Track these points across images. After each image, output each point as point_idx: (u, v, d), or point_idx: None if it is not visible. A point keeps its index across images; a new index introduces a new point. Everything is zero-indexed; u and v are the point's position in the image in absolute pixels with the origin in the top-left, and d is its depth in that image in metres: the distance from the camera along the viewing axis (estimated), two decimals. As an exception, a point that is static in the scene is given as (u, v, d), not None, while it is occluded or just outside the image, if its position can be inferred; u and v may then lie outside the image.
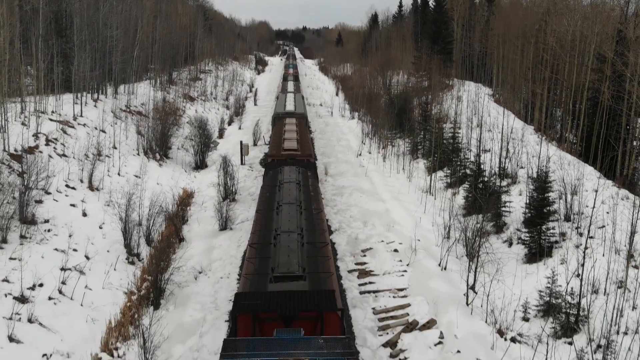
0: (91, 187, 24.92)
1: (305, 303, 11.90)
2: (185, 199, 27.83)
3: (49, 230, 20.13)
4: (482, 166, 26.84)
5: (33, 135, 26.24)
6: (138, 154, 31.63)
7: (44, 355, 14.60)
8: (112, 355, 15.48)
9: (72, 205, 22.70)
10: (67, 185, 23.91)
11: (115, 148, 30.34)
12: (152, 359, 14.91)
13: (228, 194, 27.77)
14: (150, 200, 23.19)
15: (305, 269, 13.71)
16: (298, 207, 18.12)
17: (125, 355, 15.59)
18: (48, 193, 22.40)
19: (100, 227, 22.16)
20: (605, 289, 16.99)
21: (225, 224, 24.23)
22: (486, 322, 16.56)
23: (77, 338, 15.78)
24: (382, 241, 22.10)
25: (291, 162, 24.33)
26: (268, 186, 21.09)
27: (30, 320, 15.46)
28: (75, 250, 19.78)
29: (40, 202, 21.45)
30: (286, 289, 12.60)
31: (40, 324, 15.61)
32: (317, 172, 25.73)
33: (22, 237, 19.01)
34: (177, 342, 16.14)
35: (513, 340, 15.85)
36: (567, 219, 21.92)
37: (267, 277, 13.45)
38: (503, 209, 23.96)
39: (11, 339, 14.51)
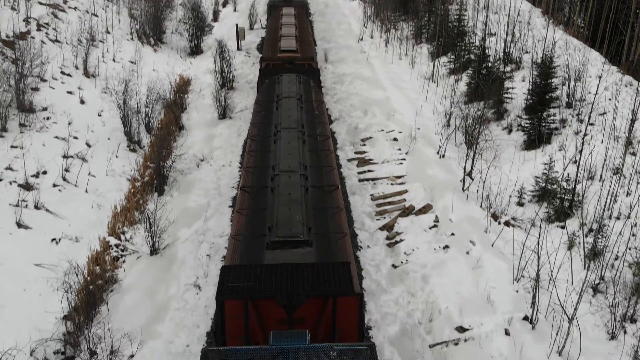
0: (87, 74, 24.49)
1: (312, 284, 9.20)
2: (183, 86, 27.45)
3: (47, 118, 20.07)
4: (486, 51, 26.16)
5: (24, 21, 25.32)
6: (132, 39, 30.74)
7: (53, 239, 15.15)
8: (119, 239, 16.06)
9: (69, 92, 22.46)
10: (62, 72, 23.48)
11: (109, 33, 29.43)
12: (159, 242, 15.50)
13: (225, 82, 27.34)
14: (147, 87, 22.89)
15: (311, 229, 11.00)
16: (300, 134, 14.91)
17: (133, 239, 16.18)
18: (44, 80, 22.07)
19: (99, 115, 22.08)
20: (601, 176, 17.25)
21: (224, 113, 24.10)
22: (481, 207, 17.00)
23: (84, 223, 16.29)
24: (382, 130, 22.09)
25: (290, 68, 21.39)
26: (263, 102, 17.93)
27: (36, 207, 15.86)
28: (75, 138, 19.85)
29: (36, 89, 21.20)
30: (288, 260, 10.09)
31: (47, 210, 16.03)
32: (320, 80, 23.04)
33: (21, 125, 18.99)
34: (183, 226, 16.68)
35: (507, 223, 16.36)
36: (569, 105, 21.77)
37: (263, 241, 10.81)
38: (505, 95, 23.70)
39: (19, 225, 14.97)
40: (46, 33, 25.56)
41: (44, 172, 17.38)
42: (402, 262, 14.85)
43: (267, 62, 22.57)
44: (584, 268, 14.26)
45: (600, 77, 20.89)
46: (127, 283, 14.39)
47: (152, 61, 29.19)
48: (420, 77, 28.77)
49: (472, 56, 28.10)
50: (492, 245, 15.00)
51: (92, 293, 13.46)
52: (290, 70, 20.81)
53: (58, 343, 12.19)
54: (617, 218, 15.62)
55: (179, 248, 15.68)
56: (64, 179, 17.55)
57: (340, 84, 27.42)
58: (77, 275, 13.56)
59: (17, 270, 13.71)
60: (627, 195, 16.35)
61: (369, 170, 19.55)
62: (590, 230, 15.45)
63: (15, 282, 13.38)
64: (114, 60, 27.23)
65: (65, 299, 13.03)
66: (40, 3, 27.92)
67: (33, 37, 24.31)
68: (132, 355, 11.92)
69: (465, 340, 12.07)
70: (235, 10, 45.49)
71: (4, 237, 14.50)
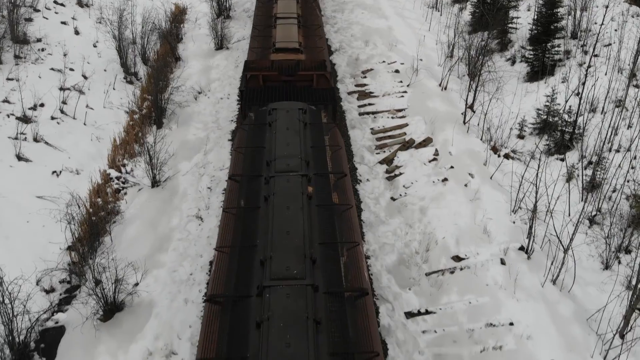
0: (80, 3, 23.82)
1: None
2: (178, 16, 26.72)
3: (42, 50, 19.70)
4: (491, -21, 25.33)
5: (11, -54, 24.38)
6: (126, -33, 29.65)
7: (54, 172, 15.20)
8: (120, 172, 16.12)
9: (63, 22, 21.92)
10: (55, 2, 22.84)
11: (101, -40, 28.37)
12: (159, 174, 15.56)
13: (222, 11, 26.60)
14: (143, 16, 22.32)
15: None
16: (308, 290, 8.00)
17: (133, 172, 16.24)
18: (37, 10, 21.52)
19: (94, 46, 21.65)
20: (603, 108, 17.10)
21: (221, 43, 23.59)
22: (481, 139, 16.95)
23: (84, 156, 16.30)
24: (384, 62, 21.70)
25: (289, 82, 14.90)
26: (244, 185, 10.55)
27: (36, 140, 15.82)
28: (71, 69, 19.54)
29: (30, 20, 20.70)
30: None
31: (46, 142, 16.00)
32: (336, 110, 14.86)
33: (16, 57, 18.66)
34: (183, 159, 16.70)
35: (506, 156, 16.37)
36: (574, 36, 21.31)
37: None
38: (509, 25, 23.16)
39: (20, 157, 14.99)
40: (36, -40, 24.65)
41: (42, 105, 17.22)
42: (400, 195, 14.97)
43: (254, 72, 14.79)
44: (582, 200, 14.39)
45: (606, 7, 20.30)
46: (129, 214, 14.57)
47: (147, -11, 28.27)
48: (424, 5, 28.00)
49: (476, -16, 27.22)
50: (491, 178, 15.07)
51: (94, 224, 13.66)
52: (290, 92, 14.22)
53: (63, 273, 12.48)
54: (617, 151, 15.61)
55: (180, 181, 15.76)
56: (62, 111, 17.42)
57: (341, 13, 26.69)
58: (79, 206, 13.71)
59: (20, 202, 13.84)
60: (628, 128, 16.28)
61: (370, 104, 19.36)
62: (590, 162, 15.48)
63: (18, 214, 13.54)
64: (107, -12, 26.38)
65: (68, 230, 13.23)
66: None
67: (23, -35, 23.47)
68: (136, 284, 12.22)
69: (461, 269, 12.35)
70: None
71: (5, 170, 14.55)
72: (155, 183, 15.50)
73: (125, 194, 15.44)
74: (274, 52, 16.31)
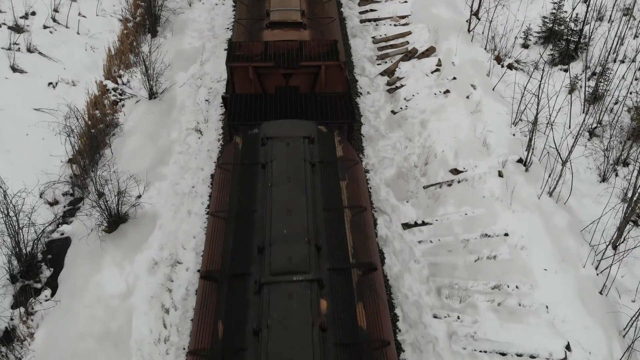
0: None
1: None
2: None
3: (28, -47, 18.78)
4: None
5: None
6: None
7: (50, 83, 14.98)
8: (116, 83, 15.90)
9: None
10: None
11: None
12: (156, 86, 15.35)
13: None
14: None
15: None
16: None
17: (130, 83, 16.01)
18: None
19: (83, -52, 20.60)
20: (610, 16, 16.58)
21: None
22: (485, 49, 16.55)
23: (79, 66, 15.99)
24: (386, -37, 20.71)
25: (290, 74, 11.54)
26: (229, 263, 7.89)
27: (29, 50, 15.46)
28: (60, -26, 18.73)
29: None
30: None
31: (40, 53, 15.65)
32: (352, 129, 11.01)
33: (1, -40, 17.83)
34: (179, 70, 16.41)
35: (510, 66, 16.06)
36: (587, -63, 20.24)
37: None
38: None
39: (14, 69, 14.71)
40: None
41: (33, 13, 16.67)
42: (401, 108, 14.84)
43: (243, 63, 11.22)
44: (583, 112, 14.29)
45: None
46: (128, 127, 14.52)
47: None
48: None
49: None
50: (493, 89, 14.88)
51: (94, 137, 13.65)
52: (290, 103, 10.64)
53: (66, 185, 12.63)
54: (622, 61, 15.32)
55: (177, 92, 15.57)
56: (54, 19, 16.89)
57: None
58: (77, 119, 13.65)
59: (18, 115, 13.75)
60: (634, 38, 15.87)
61: (372, 10, 18.72)
62: (594, 73, 15.23)
63: (17, 127, 13.49)
64: None
65: (68, 142, 13.25)
66: None
67: None
68: (139, 196, 12.40)
69: (459, 182, 12.49)
70: None
71: (0, 81, 14.33)
72: (152, 95, 15.32)
73: (123, 105, 15.30)
74: (267, 27, 12.41)
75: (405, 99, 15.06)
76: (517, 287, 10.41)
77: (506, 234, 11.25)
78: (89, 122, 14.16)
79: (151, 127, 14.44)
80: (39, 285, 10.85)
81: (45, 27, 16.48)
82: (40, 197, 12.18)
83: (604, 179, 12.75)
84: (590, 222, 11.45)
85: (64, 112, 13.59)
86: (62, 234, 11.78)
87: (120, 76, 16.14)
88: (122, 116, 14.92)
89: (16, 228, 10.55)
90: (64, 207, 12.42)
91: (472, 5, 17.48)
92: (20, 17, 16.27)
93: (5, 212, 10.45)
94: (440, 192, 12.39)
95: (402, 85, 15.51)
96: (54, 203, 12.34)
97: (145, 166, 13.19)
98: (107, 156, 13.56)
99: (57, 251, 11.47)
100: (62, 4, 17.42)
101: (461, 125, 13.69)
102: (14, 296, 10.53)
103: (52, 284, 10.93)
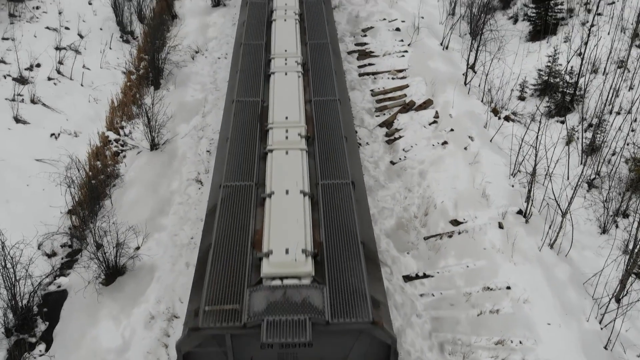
0: (73, -42, 23.20)
1: None
2: (176, -29, 26.08)
3: (37, 8, 19.34)
4: None
5: None
6: None
7: (52, 134, 15.13)
8: (118, 134, 16.05)
9: (57, -21, 21.41)
10: (47, -43, 22.24)
11: None
12: (158, 137, 15.50)
13: (220, -34, 25.92)
14: (139, -27, 21.81)
15: None
16: None
17: (132, 134, 16.16)
18: (28, -34, 20.96)
19: (90, 3, 21.23)
20: (605, 69, 16.90)
21: (218, 0, 23.12)
22: (482, 101, 16.82)
23: (82, 117, 16.19)
24: (384, 19, 21.30)
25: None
26: None
27: (33, 101, 15.69)
28: (67, 28, 19.22)
29: (22, -24, 20.23)
30: None
31: (44, 104, 15.87)
32: None
33: (11, 15, 18.34)
34: (181, 121, 16.60)
35: (507, 118, 16.27)
36: (578, -7, 20.89)
37: None
38: (513, -18, 22.66)
39: (17, 119, 14.88)
40: None
41: (38, 65, 17.01)
42: (400, 159, 14.95)
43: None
44: (581, 163, 14.39)
45: (613, -38, 19.84)
46: (129, 178, 14.57)
47: (142, -57, 27.51)
48: (425, -39, 27.27)
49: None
50: (491, 141, 15.03)
51: (94, 187, 13.68)
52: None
53: (64, 236, 12.57)
54: (618, 113, 15.52)
55: (178, 143, 15.70)
56: (59, 71, 17.21)
57: (341, -31, 26.01)
58: (78, 170, 13.71)
59: (19, 165, 13.83)
60: (629, 90, 16.14)
61: (370, 64, 19.10)
62: (590, 125, 15.41)
63: (18, 177, 13.54)
64: (100, -58, 25.66)
65: (68, 193, 13.27)
66: None
67: None
68: (138, 247, 12.33)
69: (459, 233, 12.45)
70: None
71: (3, 132, 14.48)
72: (154, 146, 15.45)
73: (124, 156, 15.40)
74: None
75: (404, 149, 15.19)
76: (520, 342, 10.23)
77: (508, 287, 11.14)
78: (90, 173, 14.22)
79: (152, 178, 14.50)
80: (33, 340, 10.64)
81: (49, 78, 16.77)
82: (39, 248, 12.10)
83: (604, 231, 12.72)
84: (592, 274, 11.35)
85: (66, 163, 13.66)
86: (59, 287, 11.65)
87: (122, 127, 16.31)
88: (123, 167, 14.99)
89: (13, 280, 10.44)
90: (62, 258, 12.32)
91: (468, 59, 17.85)
92: (25, 69, 16.59)
93: (3, 264, 10.37)
94: (441, 243, 12.33)
95: (400, 137, 15.68)
96: (51, 255, 12.26)
97: (144, 217, 13.17)
98: (106, 207, 13.55)
99: (53, 304, 11.30)
100: (67, 57, 17.79)
101: (460, 176, 13.76)
102: (8, 350, 10.33)
103: (47, 338, 10.71)
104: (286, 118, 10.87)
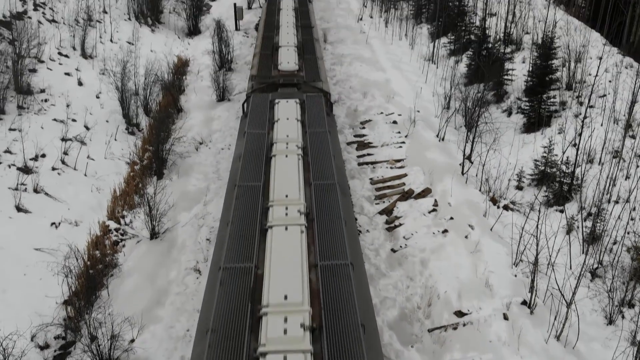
0: (84, 55, 24.28)
1: None
2: (181, 68, 27.24)
3: (45, 100, 19.95)
4: (487, 31, 25.96)
5: (20, 0, 25.03)
6: (129, 19, 30.42)
7: (53, 223, 15.15)
8: (119, 223, 16.07)
9: (67, 74, 22.29)
10: (59, 53, 23.28)
11: (106, 12, 29.10)
12: (158, 226, 15.51)
13: (224, 63, 27.12)
14: (145, 68, 22.73)
15: None
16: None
17: (132, 223, 16.19)
18: (41, 62, 21.88)
19: (97, 97, 21.94)
20: (600, 159, 17.22)
21: (222, 95, 23.96)
22: (480, 190, 17.00)
23: (83, 207, 16.28)
24: (382, 113, 22.01)
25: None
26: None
27: (36, 191, 15.84)
28: (74, 120, 19.74)
29: (34, 71, 21.03)
30: None
31: (46, 193, 16.01)
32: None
33: (19, 107, 18.88)
34: (183, 210, 16.69)
35: (506, 207, 16.38)
36: (569, 87, 21.66)
37: None
38: (505, 77, 23.57)
39: (19, 208, 14.96)
40: (43, 13, 25.27)
41: (43, 155, 17.32)
42: (401, 247, 14.90)
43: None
44: (583, 252, 14.32)
45: (600, 58, 20.74)
46: (127, 267, 14.44)
47: (150, 42, 28.94)
48: (420, 58, 28.56)
49: (472, 37, 27.88)
50: (491, 230, 15.05)
51: (92, 277, 13.52)
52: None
53: (59, 328, 12.27)
54: (616, 202, 15.64)
55: (178, 232, 15.70)
56: (63, 162, 17.50)
57: (340, 65, 27.22)
58: (77, 259, 13.60)
59: (18, 254, 13.74)
60: (626, 179, 16.36)
61: (369, 154, 19.51)
62: (589, 214, 15.48)
63: (16, 266, 13.42)
64: (111, 40, 26.98)
65: (65, 283, 13.08)
66: (36, -18, 27.56)
67: (30, 17, 24.05)
68: (132, 340, 12.00)
69: (464, 325, 12.17)
70: (233, -11, 44.88)
71: (4, 221, 14.50)
72: (154, 235, 15.43)
73: (124, 246, 15.34)
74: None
75: (404, 237, 15.16)
76: None
77: (516, 381, 10.74)
78: (88, 263, 14.10)
79: (150, 268, 14.37)
80: None
81: (53, 168, 17.03)
82: (32, 340, 11.77)
83: (610, 322, 12.44)
84: (602, 367, 10.99)
85: (64, 252, 13.58)
86: (50, 381, 11.22)
87: (123, 216, 16.36)
88: (122, 256, 14.89)
89: (3, 374, 10.09)
90: (55, 351, 11.94)
91: (464, 149, 18.24)
92: (30, 159, 16.88)
93: (-6, 357, 10.07)
94: (445, 335, 12.01)
95: (400, 224, 15.71)
96: (44, 347, 11.89)
97: (141, 307, 12.92)
98: (103, 297, 13.32)
99: (42, 400, 10.85)
100: (72, 148, 18.16)
101: (462, 265, 13.65)
102: None
103: None
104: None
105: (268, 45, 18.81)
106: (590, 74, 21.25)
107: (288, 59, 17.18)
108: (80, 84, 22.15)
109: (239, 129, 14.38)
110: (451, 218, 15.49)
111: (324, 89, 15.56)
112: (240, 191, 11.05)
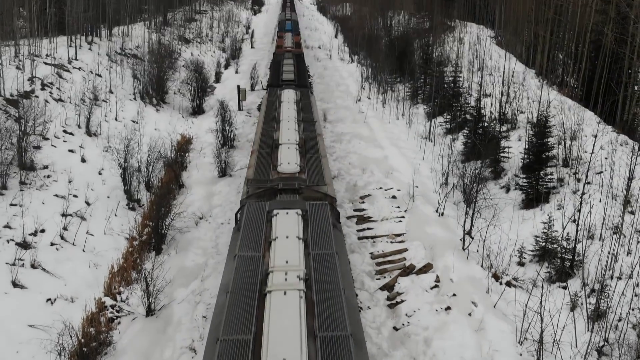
0: (89, 133, 24.78)
1: None
2: (184, 145, 27.75)
3: (48, 176, 20.17)
4: (482, 111, 26.65)
5: (28, 80, 25.87)
6: (135, 99, 31.31)
7: (48, 299, 14.91)
8: (115, 300, 15.81)
9: (71, 151, 22.65)
10: (64, 131, 23.77)
11: (112, 92, 29.99)
12: (155, 303, 15.24)
13: (226, 141, 27.67)
14: (149, 145, 23.13)
15: None
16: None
17: (129, 299, 15.92)
18: (46, 139, 22.30)
19: (100, 173, 22.20)
20: (600, 235, 17.20)
21: (224, 171, 24.28)
22: (482, 266, 16.86)
23: (80, 283, 16.08)
24: (381, 188, 22.22)
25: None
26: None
27: (33, 266, 15.70)
28: (75, 196, 19.87)
29: (38, 147, 21.40)
30: None
31: (44, 269, 15.86)
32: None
33: (21, 183, 19.05)
34: (180, 286, 16.46)
35: (508, 284, 16.17)
36: (566, 164, 21.96)
37: None
38: (502, 154, 23.94)
39: (15, 284, 14.78)
40: (50, 92, 26.04)
41: (42, 231, 17.30)
42: (403, 325, 14.58)
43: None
44: (588, 329, 14.01)
45: (595, 136, 21.18)
46: (121, 345, 14.06)
47: (154, 120, 29.64)
48: (417, 136, 29.15)
49: (467, 116, 28.57)
50: (494, 307, 14.79)
51: (85, 356, 13.14)
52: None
53: (49, 409, 11.80)
54: (619, 278, 15.47)
55: (175, 309, 15.41)
56: (62, 237, 17.46)
57: (339, 143, 27.75)
58: (71, 337, 13.27)
59: (11, 331, 13.43)
60: (627, 255, 16.26)
61: (368, 228, 19.50)
62: (593, 290, 15.27)
63: (8, 344, 13.08)
64: (116, 119, 27.63)
65: (57, 362, 12.70)
66: (46, 63, 28.60)
67: (37, 96, 24.75)
68: (125, 422, 11.50)
69: (469, 406, 11.71)
70: (237, 72, 46.56)
71: (-1, 297, 14.29)
72: (150, 312, 15.14)
73: (119, 323, 15.02)
74: None
75: (406, 314, 14.87)
76: None
77: None
78: (82, 341, 13.74)
79: (144, 347, 13.98)
80: None
81: (52, 244, 16.96)
82: (19, 422, 11.29)
83: (622, 403, 11.99)
84: None
85: (59, 329, 13.27)
86: None
87: (119, 293, 16.12)
88: (117, 334, 14.53)
89: None
90: None
91: (464, 225, 18.25)
92: (29, 234, 16.84)
93: None
94: (449, 417, 11.54)
95: (402, 301, 15.45)
96: None
97: (135, 388, 12.47)
98: (96, 377, 12.90)
99: None
100: (72, 223, 18.16)
101: (466, 344, 13.32)
102: None
103: None
104: None
105: (267, 142, 17.10)
106: (586, 151, 21.60)
107: (289, 159, 15.28)
108: (83, 160, 22.48)
109: (229, 246, 12.47)
110: (454, 294, 15.26)
111: (329, 194, 14.06)
112: (223, 346, 8.29)
